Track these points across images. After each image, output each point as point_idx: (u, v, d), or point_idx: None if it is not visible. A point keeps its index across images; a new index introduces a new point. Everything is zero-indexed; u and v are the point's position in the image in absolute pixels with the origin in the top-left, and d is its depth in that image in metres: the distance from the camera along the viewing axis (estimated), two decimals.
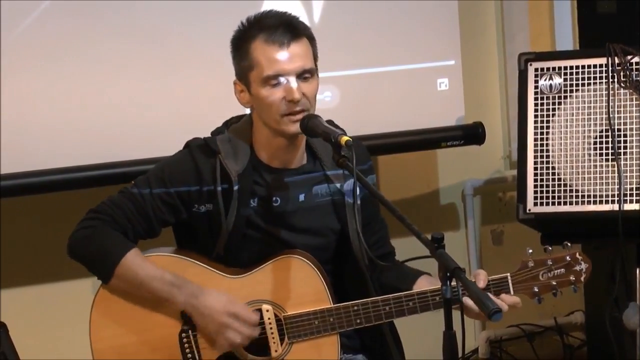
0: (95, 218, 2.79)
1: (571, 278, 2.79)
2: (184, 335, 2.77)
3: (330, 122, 2.83)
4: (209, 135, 2.89)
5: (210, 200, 2.78)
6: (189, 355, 2.77)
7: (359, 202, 2.82)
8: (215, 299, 2.73)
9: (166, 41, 3.72)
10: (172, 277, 2.74)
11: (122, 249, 2.75)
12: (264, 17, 2.76)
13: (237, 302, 2.74)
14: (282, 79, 2.70)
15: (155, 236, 2.85)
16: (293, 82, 2.70)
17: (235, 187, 2.77)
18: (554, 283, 2.78)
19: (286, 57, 2.70)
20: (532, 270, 2.78)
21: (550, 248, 2.79)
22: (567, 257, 2.78)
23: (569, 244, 2.80)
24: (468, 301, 2.60)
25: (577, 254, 2.79)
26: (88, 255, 2.78)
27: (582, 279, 2.79)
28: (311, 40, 2.78)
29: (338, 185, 2.87)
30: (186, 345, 2.77)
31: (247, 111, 2.88)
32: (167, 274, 2.74)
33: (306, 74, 2.73)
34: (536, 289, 2.78)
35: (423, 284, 2.83)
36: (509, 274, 2.77)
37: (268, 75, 2.70)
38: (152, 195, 2.79)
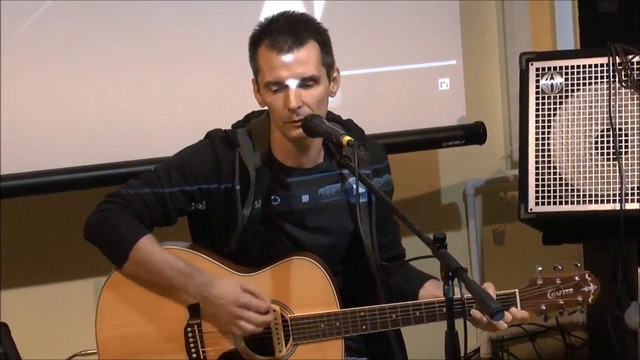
0: (113, 202, 2.80)
1: (579, 298, 2.79)
2: (189, 330, 2.78)
3: (349, 121, 2.84)
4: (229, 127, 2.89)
5: (227, 196, 2.78)
6: (193, 350, 2.78)
7: (363, 200, 2.83)
8: (226, 289, 2.72)
9: (169, 41, 3.72)
10: (185, 265, 2.75)
11: (137, 233, 2.76)
12: (276, 19, 2.75)
13: (249, 289, 2.73)
14: (283, 85, 2.69)
15: (171, 224, 2.86)
16: (292, 89, 2.68)
17: (252, 182, 2.77)
18: (562, 302, 2.79)
19: (285, 63, 2.68)
20: (541, 288, 2.78)
21: (560, 267, 2.79)
22: (576, 277, 2.79)
23: (578, 264, 2.80)
24: (477, 313, 2.62)
25: (587, 275, 2.79)
26: (103, 238, 2.79)
27: (590, 300, 2.79)
28: (322, 44, 2.75)
29: (353, 184, 2.86)
30: (191, 340, 2.78)
31: (258, 107, 2.89)
32: (180, 261, 2.75)
33: (308, 82, 2.70)
34: (543, 307, 2.78)
35: (430, 288, 2.83)
36: (517, 290, 2.77)
37: (268, 81, 2.70)
38: (172, 185, 2.79)
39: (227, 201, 2.79)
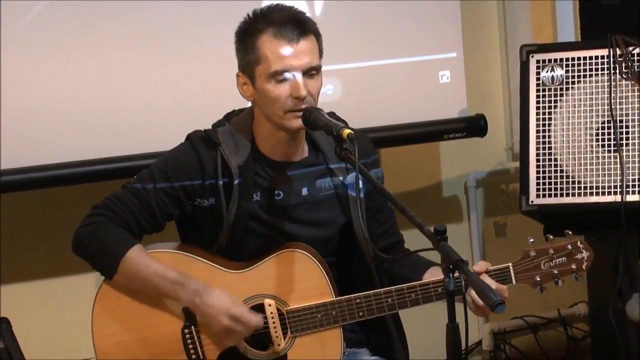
0: (99, 214, 2.79)
1: (573, 266, 2.78)
2: (186, 331, 2.77)
3: (331, 114, 2.83)
4: (210, 127, 2.89)
5: (213, 193, 2.78)
6: (192, 352, 2.78)
7: (361, 195, 2.82)
8: (218, 299, 2.72)
9: (170, 34, 3.72)
10: (176, 274, 2.74)
11: (125, 245, 2.75)
12: (272, 11, 2.75)
13: (240, 305, 2.73)
14: (288, 75, 2.69)
15: (160, 230, 2.85)
16: (300, 78, 2.70)
17: (236, 181, 2.77)
18: (556, 272, 2.78)
19: (294, 53, 2.70)
20: (534, 259, 2.77)
21: (552, 237, 2.78)
22: (569, 246, 2.78)
23: (570, 233, 2.79)
24: (469, 295, 2.61)
25: (579, 243, 2.79)
26: (91, 252, 2.78)
27: (583, 267, 2.79)
28: (317, 36, 2.78)
29: (341, 178, 2.87)
30: (189, 341, 2.78)
31: (249, 104, 2.88)
32: (171, 271, 2.74)
33: (312, 71, 2.72)
34: (538, 278, 2.77)
35: (436, 273, 2.82)
36: (510, 264, 2.77)
37: (275, 70, 2.70)
38: (156, 189, 2.79)
39: (212, 197, 2.79)
